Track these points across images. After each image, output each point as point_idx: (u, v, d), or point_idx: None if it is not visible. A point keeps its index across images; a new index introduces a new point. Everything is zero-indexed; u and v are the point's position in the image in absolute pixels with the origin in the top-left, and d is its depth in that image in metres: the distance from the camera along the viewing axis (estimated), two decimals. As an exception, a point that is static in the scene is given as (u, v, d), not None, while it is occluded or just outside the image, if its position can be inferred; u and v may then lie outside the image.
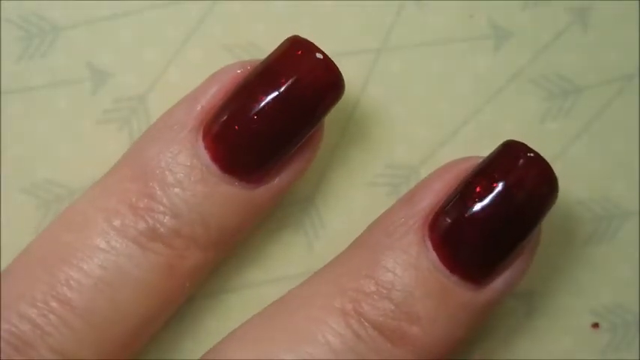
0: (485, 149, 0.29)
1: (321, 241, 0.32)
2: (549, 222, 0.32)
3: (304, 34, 0.29)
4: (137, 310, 0.28)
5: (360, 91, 0.32)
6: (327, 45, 0.31)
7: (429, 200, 0.29)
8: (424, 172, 0.32)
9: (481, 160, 0.29)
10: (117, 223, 0.28)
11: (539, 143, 0.32)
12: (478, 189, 0.28)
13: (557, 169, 0.30)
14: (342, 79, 0.29)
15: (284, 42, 0.29)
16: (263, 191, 0.29)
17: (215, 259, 0.30)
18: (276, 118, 0.28)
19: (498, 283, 0.29)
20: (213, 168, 0.29)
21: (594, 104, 0.33)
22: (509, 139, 0.29)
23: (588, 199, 0.33)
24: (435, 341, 0.28)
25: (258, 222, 0.31)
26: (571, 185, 0.32)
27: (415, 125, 0.32)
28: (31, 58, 0.32)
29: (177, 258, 0.28)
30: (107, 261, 0.28)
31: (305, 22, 0.32)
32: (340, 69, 0.29)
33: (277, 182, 0.29)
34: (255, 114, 0.28)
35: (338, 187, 0.32)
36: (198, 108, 0.29)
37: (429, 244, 0.28)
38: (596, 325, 0.32)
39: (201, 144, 0.29)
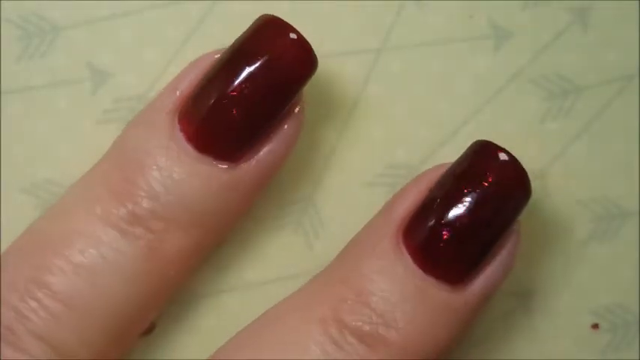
0: (485, 149, 0.29)
1: (321, 241, 0.32)
2: (549, 222, 0.32)
3: (304, 34, 0.29)
4: (118, 294, 0.28)
5: (360, 91, 0.32)
6: (327, 45, 0.31)
7: (404, 207, 0.29)
8: (424, 172, 0.32)
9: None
10: (97, 208, 0.29)
11: (539, 143, 0.32)
12: (449, 192, 0.29)
13: (557, 169, 0.30)
14: (313, 53, 0.29)
15: (256, 21, 0.30)
16: (243, 171, 0.29)
17: (200, 244, 0.29)
18: (248, 97, 0.29)
19: (477, 283, 0.29)
20: (189, 148, 0.29)
21: (594, 104, 0.33)
22: (479, 139, 0.29)
23: (588, 198, 0.33)
24: (415, 343, 0.28)
25: (244, 205, 0.30)
26: (571, 185, 0.32)
27: (415, 125, 0.32)
28: (30, 58, 0.32)
29: (157, 241, 0.29)
30: (87, 246, 0.28)
31: (305, 22, 0.32)
32: (340, 69, 0.29)
33: (256, 163, 0.29)
34: (227, 93, 0.29)
35: (337, 187, 0.32)
36: (177, 93, 0.30)
37: (403, 248, 0.29)
38: (595, 326, 0.32)
39: (177, 126, 0.29)
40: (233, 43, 0.29)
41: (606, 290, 0.32)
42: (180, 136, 0.29)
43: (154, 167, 0.29)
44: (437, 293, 0.28)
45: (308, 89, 0.30)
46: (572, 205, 0.33)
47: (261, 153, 0.29)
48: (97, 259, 0.28)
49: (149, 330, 0.32)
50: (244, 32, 0.29)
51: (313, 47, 0.29)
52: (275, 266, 0.32)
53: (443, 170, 0.30)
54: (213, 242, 0.30)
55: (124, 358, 0.30)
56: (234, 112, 0.29)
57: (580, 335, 0.32)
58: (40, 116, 0.32)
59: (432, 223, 0.29)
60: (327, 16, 0.32)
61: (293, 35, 0.29)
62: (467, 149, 0.29)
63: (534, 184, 0.30)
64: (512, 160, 0.29)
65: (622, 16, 0.33)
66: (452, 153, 0.31)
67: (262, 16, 0.30)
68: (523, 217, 0.30)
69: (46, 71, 0.32)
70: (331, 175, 0.32)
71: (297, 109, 0.30)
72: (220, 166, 0.29)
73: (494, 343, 0.32)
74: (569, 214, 0.33)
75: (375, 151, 0.32)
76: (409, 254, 0.29)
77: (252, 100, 0.29)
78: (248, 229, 0.32)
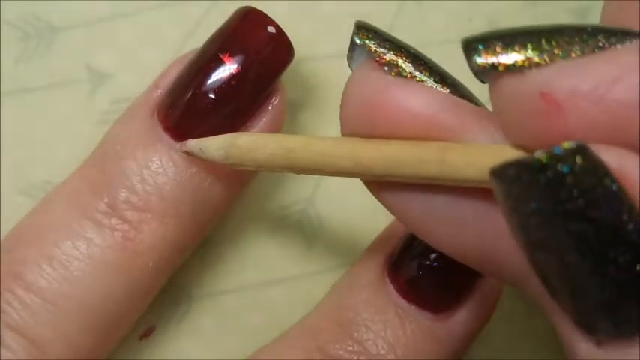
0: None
1: (321, 241, 0.32)
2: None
3: (304, 34, 0.29)
4: (95, 286, 0.28)
5: (360, 92, 0.32)
6: (327, 45, 0.31)
7: (391, 242, 0.30)
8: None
9: None
10: (75, 201, 0.29)
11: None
12: None
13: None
14: (291, 47, 0.29)
15: (234, 13, 0.30)
16: None
17: (179, 235, 0.29)
18: (223, 89, 0.29)
19: (461, 312, 0.29)
20: (166, 138, 0.29)
21: (594, 105, 0.33)
22: None
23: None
24: None
25: (225, 196, 0.30)
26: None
27: (415, 126, 0.32)
28: (29, 59, 0.32)
29: (133, 231, 0.29)
30: (62, 239, 0.28)
31: (305, 22, 0.32)
32: (340, 69, 0.29)
33: None
34: (203, 85, 0.29)
35: (337, 187, 0.32)
36: (159, 89, 0.30)
37: (387, 280, 0.29)
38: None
39: (155, 119, 0.29)
40: (212, 36, 0.30)
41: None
42: (157, 128, 0.29)
43: (131, 158, 0.29)
44: (420, 321, 0.29)
45: (308, 90, 0.30)
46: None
47: None
48: (72, 250, 0.28)
49: (149, 332, 0.32)
50: (223, 24, 0.30)
51: (312, 47, 0.29)
52: (275, 266, 0.32)
53: None
54: (195, 234, 0.30)
55: (120, 357, 0.30)
56: (209, 102, 0.29)
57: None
58: (39, 117, 0.32)
59: (415, 256, 0.29)
60: (327, 16, 0.32)
61: (271, 29, 0.29)
62: None
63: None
64: None
65: (621, 17, 0.33)
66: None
67: (241, 8, 0.30)
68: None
69: (44, 72, 0.32)
70: (331, 175, 0.32)
71: (275, 100, 0.30)
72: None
73: (494, 343, 0.32)
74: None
75: (375, 152, 0.32)
76: (393, 285, 0.29)
77: (226, 91, 0.29)
78: (248, 229, 0.32)
